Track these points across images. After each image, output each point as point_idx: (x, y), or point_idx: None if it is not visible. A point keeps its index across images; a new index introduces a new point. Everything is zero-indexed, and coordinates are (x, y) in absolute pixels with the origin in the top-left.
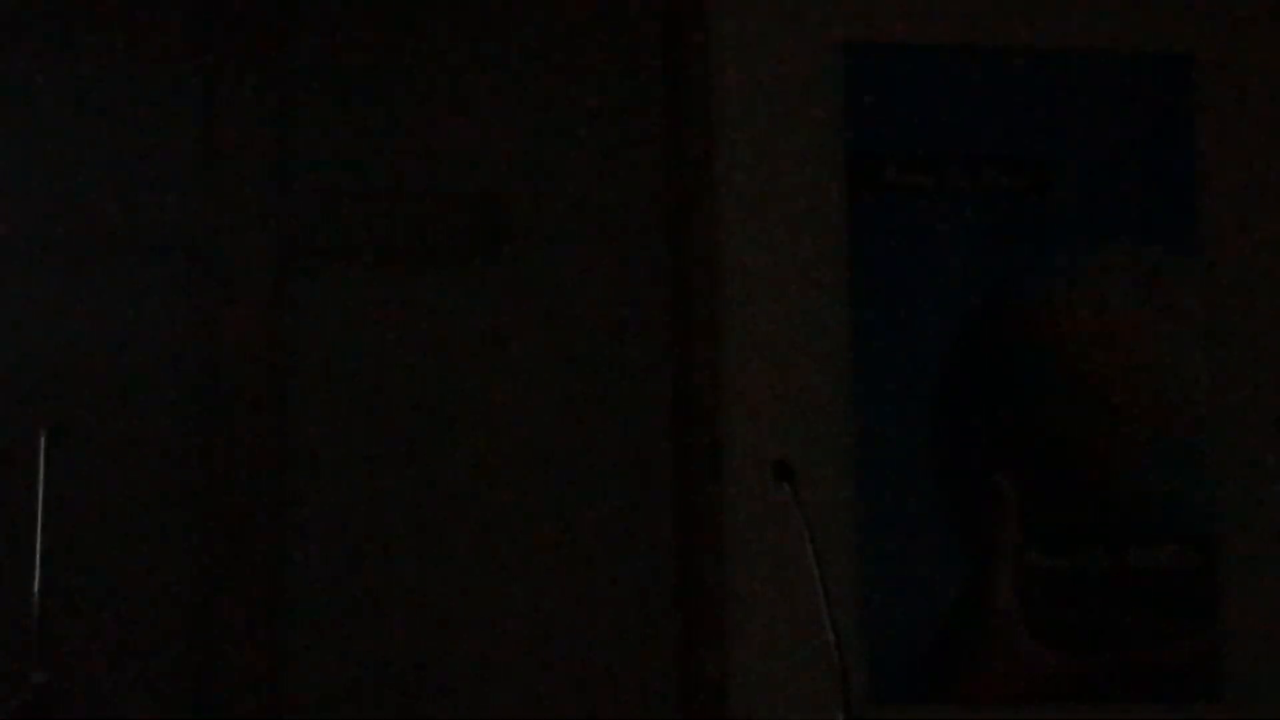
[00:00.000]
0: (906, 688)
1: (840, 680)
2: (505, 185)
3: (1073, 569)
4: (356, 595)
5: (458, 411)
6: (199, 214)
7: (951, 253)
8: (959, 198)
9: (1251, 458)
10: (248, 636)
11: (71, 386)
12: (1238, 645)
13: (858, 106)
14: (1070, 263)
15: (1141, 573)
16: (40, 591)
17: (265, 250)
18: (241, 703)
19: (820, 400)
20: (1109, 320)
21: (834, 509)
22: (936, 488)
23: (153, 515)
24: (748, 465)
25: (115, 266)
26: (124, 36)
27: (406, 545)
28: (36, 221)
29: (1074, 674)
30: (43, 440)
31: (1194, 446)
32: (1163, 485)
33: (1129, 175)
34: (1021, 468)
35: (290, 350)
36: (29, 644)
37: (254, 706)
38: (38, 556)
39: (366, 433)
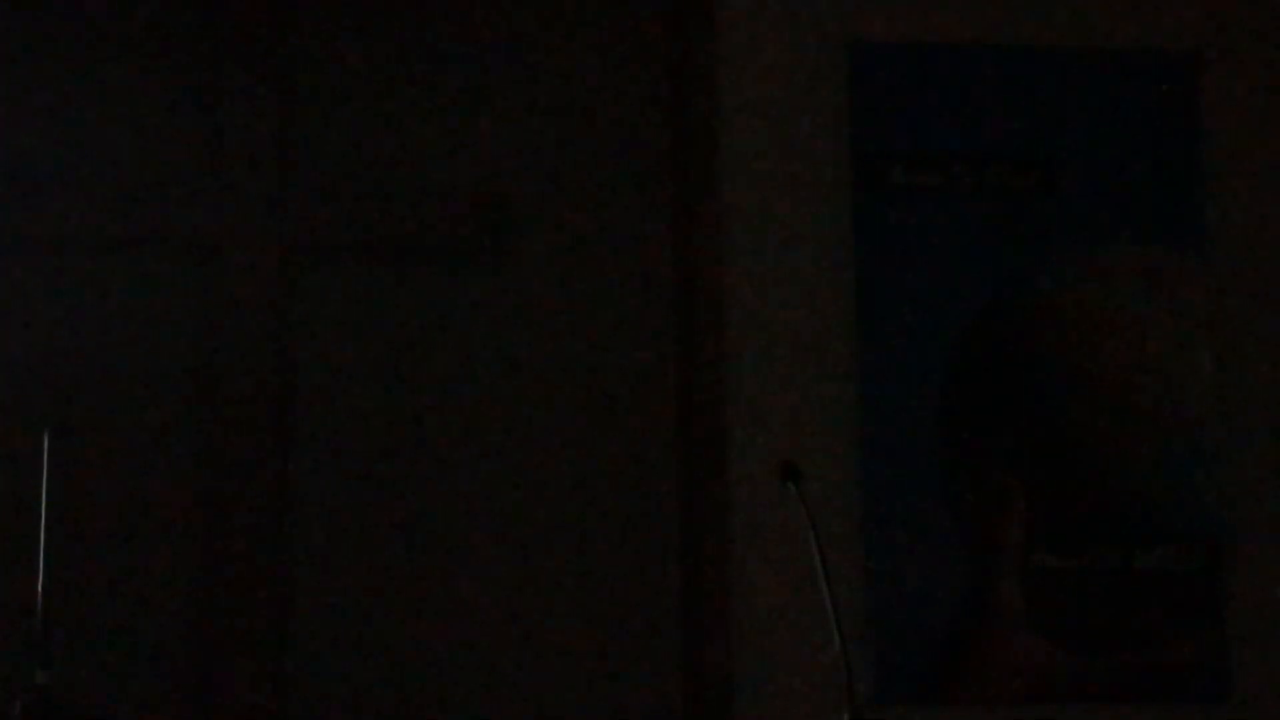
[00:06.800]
0: (912, 688)
1: (846, 680)
2: (509, 184)
3: (1078, 569)
4: (360, 591)
5: (462, 411)
6: (202, 212)
7: (957, 252)
8: (964, 197)
9: (1257, 458)
10: (251, 636)
11: (74, 385)
12: (1244, 646)
13: (863, 106)
14: (1076, 262)
15: (1147, 573)
16: (43, 591)
17: (268, 249)
18: (245, 702)
19: (826, 400)
20: (1115, 319)
21: (840, 509)
22: (942, 488)
23: (156, 514)
24: (753, 465)
25: (118, 265)
26: (127, 35)
27: (411, 542)
28: (39, 221)
29: (1079, 674)
30: (46, 439)
31: (1200, 446)
32: (1169, 485)
33: (1135, 174)
34: (1027, 467)
35: (293, 349)
36: (32, 644)
37: (257, 706)
38: (41, 556)
39: (370, 431)
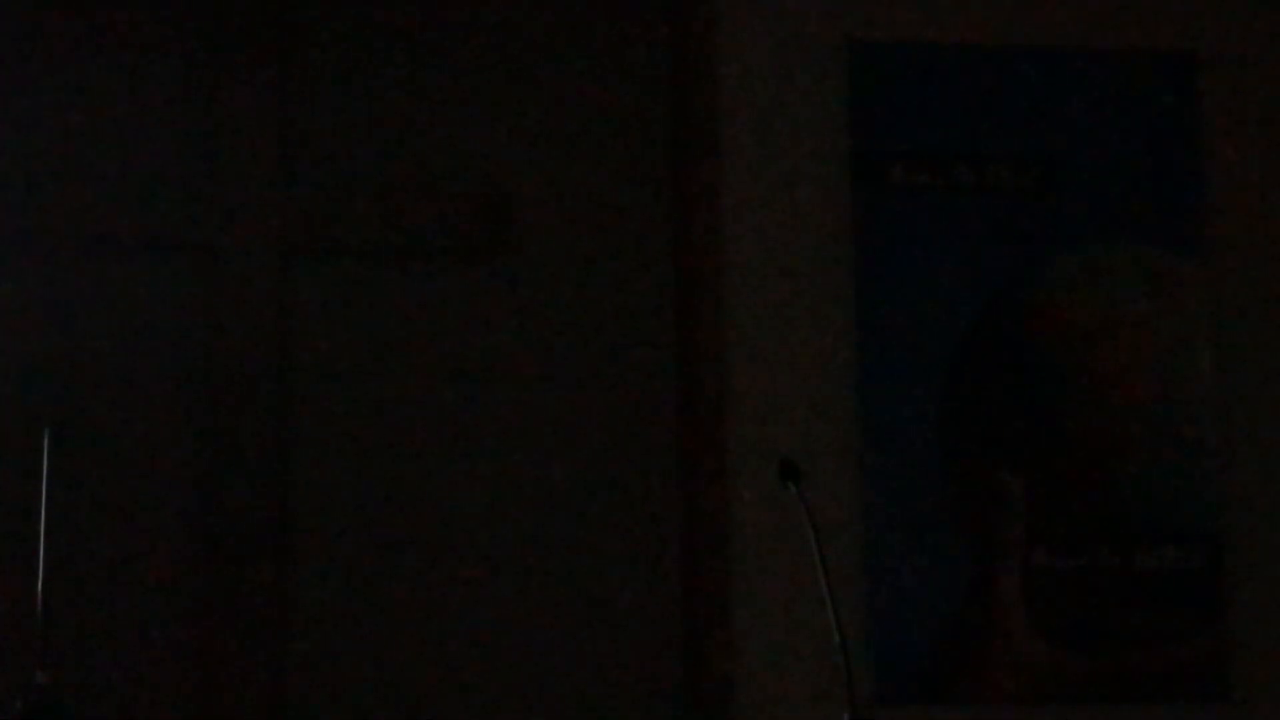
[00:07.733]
0: (912, 688)
1: (846, 681)
2: (508, 183)
3: (1079, 569)
4: (360, 591)
5: (461, 410)
6: (202, 212)
7: (956, 252)
8: (964, 197)
9: (1257, 457)
10: (251, 636)
11: (75, 385)
12: (1244, 645)
13: (862, 105)
14: (1075, 262)
15: (1147, 573)
16: (44, 591)
17: (267, 248)
18: (244, 701)
19: (826, 400)
20: (1114, 319)
21: (839, 509)
22: (942, 487)
23: (156, 513)
24: (753, 465)
25: (118, 265)
26: (126, 35)
27: (410, 542)
28: (39, 220)
29: (1080, 674)
30: (46, 439)
31: (1200, 446)
32: (1168, 485)
33: (1134, 175)
34: (1027, 467)
35: (292, 348)
36: (33, 644)
37: (257, 705)
38: (41, 555)
39: (368, 431)
